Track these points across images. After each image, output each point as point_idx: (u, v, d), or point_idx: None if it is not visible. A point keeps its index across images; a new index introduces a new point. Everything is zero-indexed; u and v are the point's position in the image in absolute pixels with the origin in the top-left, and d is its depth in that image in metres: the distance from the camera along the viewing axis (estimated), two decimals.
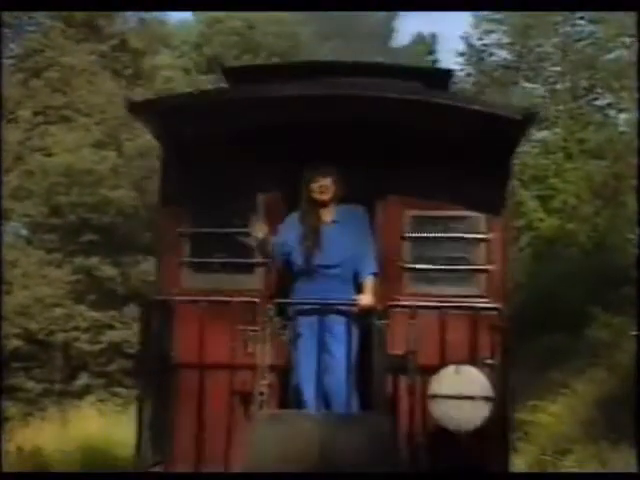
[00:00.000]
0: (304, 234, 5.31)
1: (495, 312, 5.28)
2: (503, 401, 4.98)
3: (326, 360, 5.10)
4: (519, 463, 11.30)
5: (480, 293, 5.51)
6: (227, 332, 5.30)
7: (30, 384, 18.63)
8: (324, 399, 5.10)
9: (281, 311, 5.28)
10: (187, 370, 5.33)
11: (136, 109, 5.61)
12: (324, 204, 5.35)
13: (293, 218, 5.43)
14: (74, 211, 19.77)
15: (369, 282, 5.34)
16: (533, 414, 11.60)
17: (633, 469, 8.25)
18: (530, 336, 17.44)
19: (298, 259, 5.36)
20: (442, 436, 4.82)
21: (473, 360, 5.11)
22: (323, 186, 5.28)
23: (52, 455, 10.91)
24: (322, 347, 5.04)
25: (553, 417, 11.16)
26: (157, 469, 5.10)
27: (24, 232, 20.94)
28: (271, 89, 5.14)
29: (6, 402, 15.19)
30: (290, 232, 5.36)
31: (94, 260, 19.79)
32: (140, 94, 21.61)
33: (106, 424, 13.70)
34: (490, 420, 4.82)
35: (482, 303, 5.37)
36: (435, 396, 4.87)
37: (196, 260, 5.67)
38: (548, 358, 15.08)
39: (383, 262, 5.46)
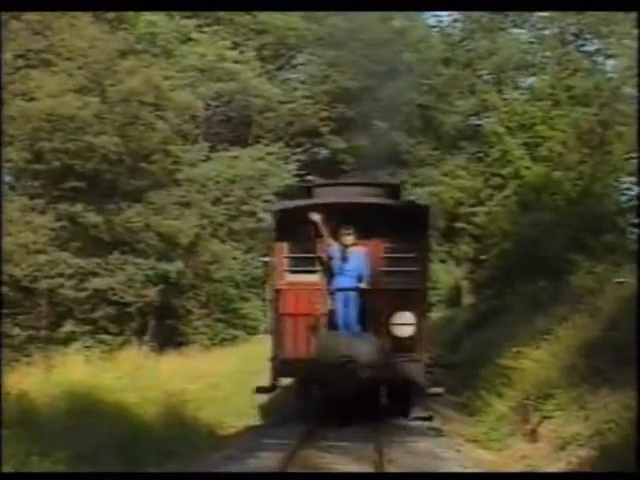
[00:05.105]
0: (340, 257, 12.17)
1: (419, 290, 12.49)
2: (419, 325, 12.35)
3: (347, 311, 12.16)
4: (502, 408, 11.45)
5: (412, 281, 12.42)
6: (306, 300, 12.39)
7: (16, 330, 18.62)
8: (347, 328, 12.09)
9: (329, 291, 12.43)
10: (289, 316, 12.44)
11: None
12: (349, 245, 12.19)
13: (336, 248, 12.26)
14: (57, 157, 19.56)
15: (364, 279, 12.12)
16: (516, 360, 11.71)
17: (612, 413, 8.37)
18: (515, 283, 17.57)
19: (337, 267, 12.24)
20: (396, 339, 12.29)
21: (409, 309, 12.31)
22: (349, 237, 12.16)
23: (38, 400, 10.94)
24: (345, 305, 12.15)
25: (536, 363, 11.26)
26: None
27: (7, 178, 20.71)
28: (323, 199, 12.83)
29: None
30: (335, 254, 12.30)
31: (78, 207, 19.63)
32: (122, 38, 21.29)
33: (92, 370, 13.74)
34: (414, 333, 12.32)
35: (413, 286, 12.41)
36: (393, 324, 12.33)
37: (291, 268, 12.64)
38: (532, 305, 15.20)
39: (371, 268, 12.21)
